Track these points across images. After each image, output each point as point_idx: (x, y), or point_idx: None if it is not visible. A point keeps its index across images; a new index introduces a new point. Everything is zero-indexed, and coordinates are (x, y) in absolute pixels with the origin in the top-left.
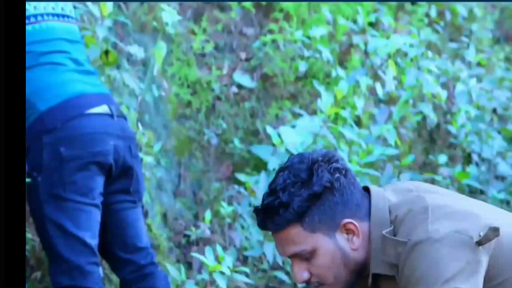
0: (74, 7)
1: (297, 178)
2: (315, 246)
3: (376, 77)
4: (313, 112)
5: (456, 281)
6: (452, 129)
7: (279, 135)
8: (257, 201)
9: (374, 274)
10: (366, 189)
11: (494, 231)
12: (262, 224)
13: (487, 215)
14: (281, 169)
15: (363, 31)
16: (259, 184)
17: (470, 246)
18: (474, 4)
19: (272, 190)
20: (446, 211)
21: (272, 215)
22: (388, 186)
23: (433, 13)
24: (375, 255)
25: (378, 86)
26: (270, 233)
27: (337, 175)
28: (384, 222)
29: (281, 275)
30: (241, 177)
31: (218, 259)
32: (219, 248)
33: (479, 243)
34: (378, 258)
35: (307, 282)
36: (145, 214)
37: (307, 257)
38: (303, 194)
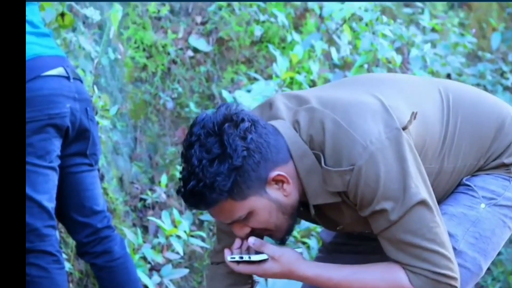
0: None
1: (211, 154)
2: (250, 209)
3: (331, 41)
4: (269, 77)
5: (413, 178)
6: None
7: (234, 99)
8: None
9: (315, 205)
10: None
11: (413, 115)
12: (192, 206)
13: (377, 93)
14: (189, 145)
15: None
16: None
17: (402, 136)
18: None
19: (190, 173)
20: (354, 113)
21: (199, 198)
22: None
23: None
24: (311, 187)
25: (333, 51)
26: None
27: (249, 136)
28: (305, 152)
29: None
30: None
31: (174, 223)
32: (175, 212)
33: (405, 128)
34: (317, 190)
35: (251, 233)
36: (101, 178)
37: (245, 218)
38: (224, 171)
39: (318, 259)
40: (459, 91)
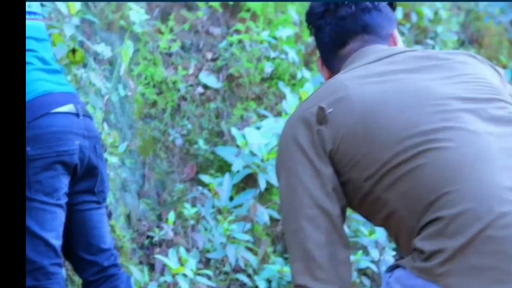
0: (42, 5)
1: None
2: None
3: None
4: (278, 114)
5: (289, 165)
6: None
7: (243, 137)
8: (220, 202)
9: None
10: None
11: (322, 111)
12: None
13: (357, 86)
14: None
15: None
16: (223, 186)
17: (309, 125)
18: (440, 6)
19: None
20: (327, 85)
21: None
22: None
23: (399, 15)
24: None
25: None
26: (232, 235)
27: (326, 21)
28: None
29: (242, 277)
30: (205, 178)
31: (181, 261)
32: (182, 250)
33: (318, 121)
34: None
35: None
36: (109, 215)
37: None
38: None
39: None
40: (459, 139)
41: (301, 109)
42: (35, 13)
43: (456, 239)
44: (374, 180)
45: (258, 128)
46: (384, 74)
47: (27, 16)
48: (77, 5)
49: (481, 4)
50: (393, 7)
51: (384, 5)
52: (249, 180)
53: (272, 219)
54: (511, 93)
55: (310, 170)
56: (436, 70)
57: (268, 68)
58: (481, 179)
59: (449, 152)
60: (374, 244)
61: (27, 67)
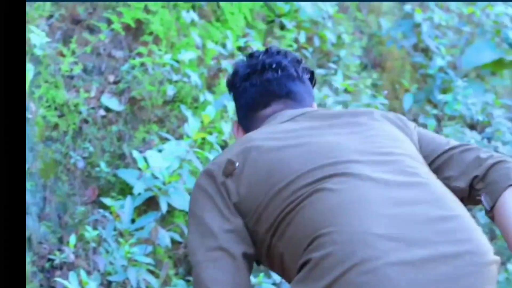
0: None
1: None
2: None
3: None
4: (180, 137)
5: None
6: None
7: (145, 159)
8: (122, 225)
9: None
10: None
11: (231, 164)
12: None
13: (263, 143)
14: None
15: (232, 56)
16: (124, 209)
17: (213, 177)
18: (342, 30)
19: None
20: (237, 141)
21: None
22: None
23: (302, 38)
24: None
25: None
26: (134, 258)
27: (251, 82)
28: None
29: None
30: (107, 201)
31: (81, 284)
32: (82, 273)
33: (224, 173)
34: None
35: None
36: None
37: None
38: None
39: None
40: (349, 183)
41: (210, 163)
42: None
43: (319, 282)
44: (272, 231)
45: (160, 151)
46: (290, 132)
47: None
48: None
49: (384, 28)
50: (313, 83)
51: (306, 78)
52: (151, 203)
53: (173, 241)
54: (425, 141)
55: (219, 217)
56: (341, 126)
57: (170, 91)
58: (353, 224)
59: (327, 196)
60: None
61: None
